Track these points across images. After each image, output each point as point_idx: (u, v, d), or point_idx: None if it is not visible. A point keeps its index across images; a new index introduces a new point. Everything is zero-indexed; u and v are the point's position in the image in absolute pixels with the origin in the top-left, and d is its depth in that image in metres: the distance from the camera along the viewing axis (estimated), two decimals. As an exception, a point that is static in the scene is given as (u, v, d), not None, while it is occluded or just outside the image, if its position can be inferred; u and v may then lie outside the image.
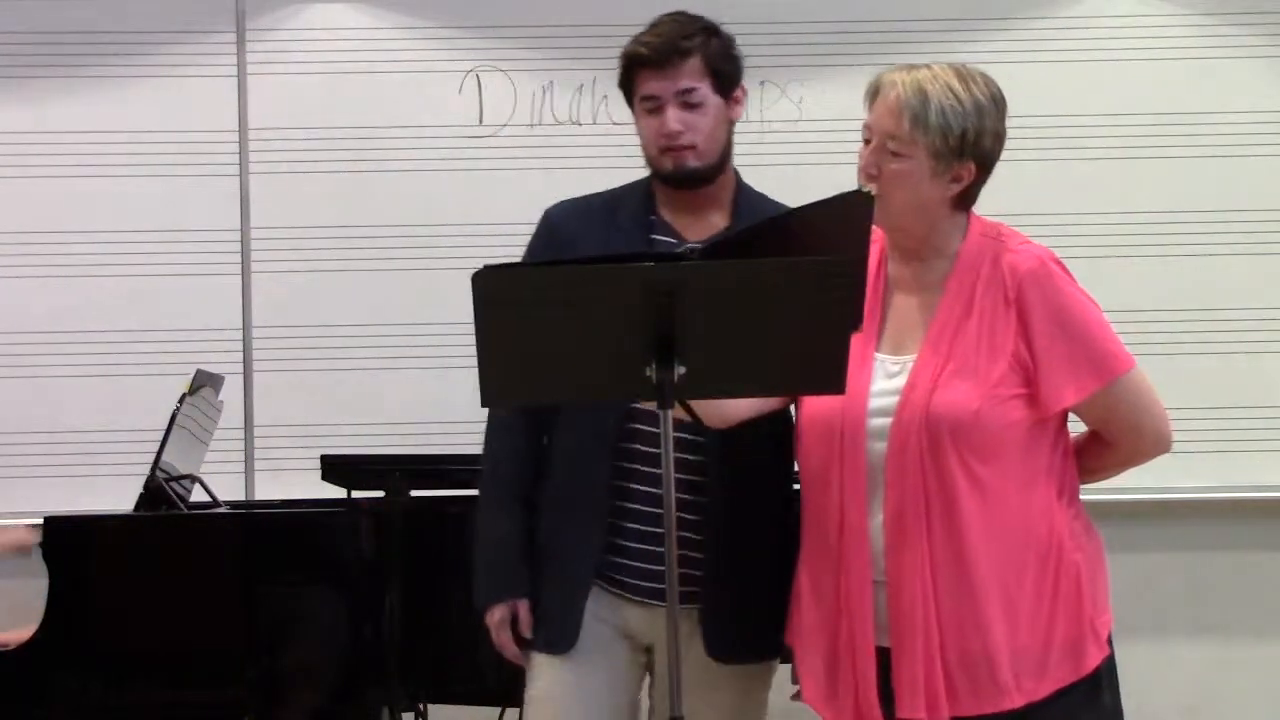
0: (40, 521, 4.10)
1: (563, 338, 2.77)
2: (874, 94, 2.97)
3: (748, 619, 3.20)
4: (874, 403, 2.96)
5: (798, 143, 5.23)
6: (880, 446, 2.94)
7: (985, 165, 2.97)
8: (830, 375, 2.84)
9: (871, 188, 2.93)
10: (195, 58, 5.31)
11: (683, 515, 3.05)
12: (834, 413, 2.97)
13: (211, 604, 4.00)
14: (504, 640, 3.27)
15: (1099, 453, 3.07)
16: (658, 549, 3.13)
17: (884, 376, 2.98)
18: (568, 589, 3.23)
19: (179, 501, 4.18)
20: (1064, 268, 2.99)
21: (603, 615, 3.24)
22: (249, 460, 5.27)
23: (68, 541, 4.01)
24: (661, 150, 3.21)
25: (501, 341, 2.78)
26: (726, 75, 3.24)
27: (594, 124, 5.16)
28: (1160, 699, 5.38)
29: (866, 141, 2.98)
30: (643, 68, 3.21)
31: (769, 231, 2.97)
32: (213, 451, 4.67)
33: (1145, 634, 5.37)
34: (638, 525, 3.21)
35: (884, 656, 2.95)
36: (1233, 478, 5.33)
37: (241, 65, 5.32)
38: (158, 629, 3.97)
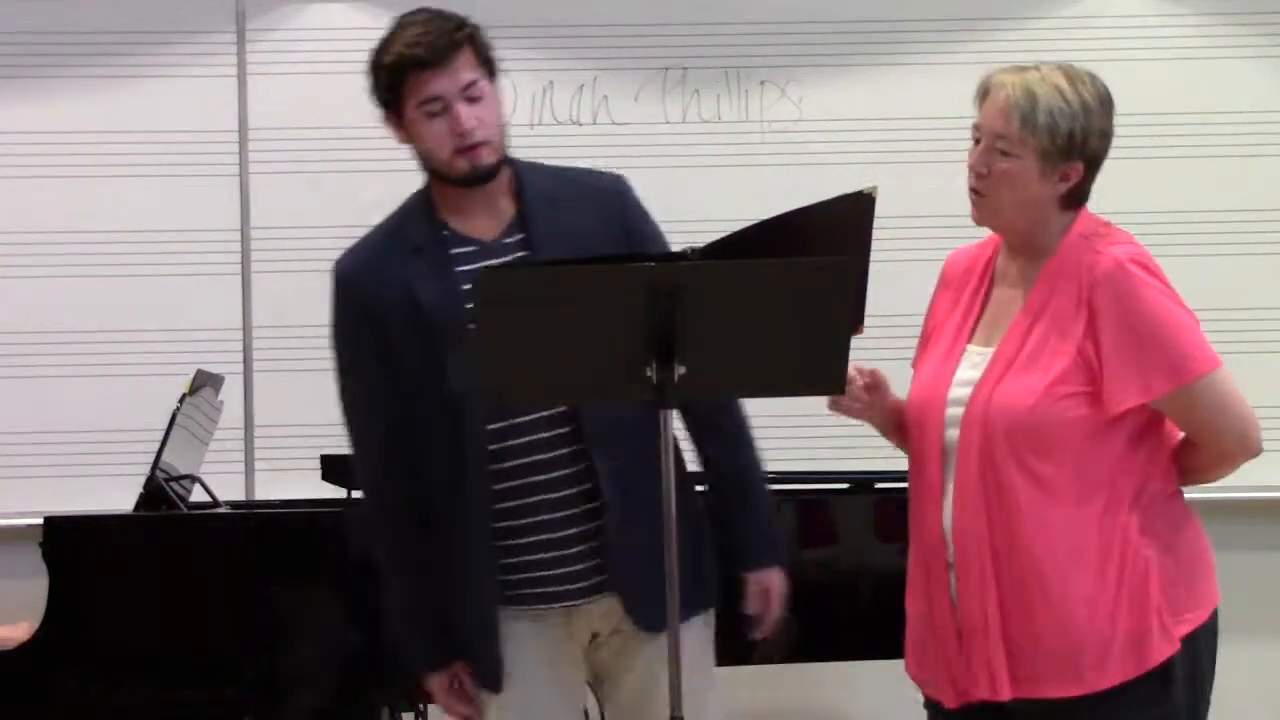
0: (40, 522, 4.10)
1: (563, 338, 2.78)
2: (983, 95, 3.02)
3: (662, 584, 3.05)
4: (953, 392, 3.02)
5: (798, 143, 5.24)
6: (952, 435, 3.01)
7: (1093, 164, 3.05)
8: (830, 375, 2.86)
9: (869, 188, 2.97)
10: (195, 58, 5.31)
11: (569, 495, 3.09)
12: (924, 400, 3.05)
13: (211, 604, 4.00)
14: (453, 703, 3.19)
15: (1190, 455, 3.09)
16: (556, 554, 3.12)
17: (968, 367, 3.04)
18: (480, 627, 3.14)
19: (179, 501, 4.18)
20: (1149, 269, 3.03)
21: (529, 646, 3.15)
22: (249, 460, 5.27)
23: (68, 541, 4.01)
24: (456, 151, 3.10)
25: (503, 341, 2.79)
26: (492, 63, 3.15)
27: (594, 124, 5.16)
28: (1160, 699, 5.38)
29: (976, 141, 3.02)
30: (420, 69, 3.08)
31: (770, 231, 2.97)
32: (213, 451, 4.67)
33: (1145, 634, 5.37)
34: (529, 537, 3.12)
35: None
36: (1233, 478, 5.31)
37: (241, 65, 5.32)
38: (157, 629, 3.97)
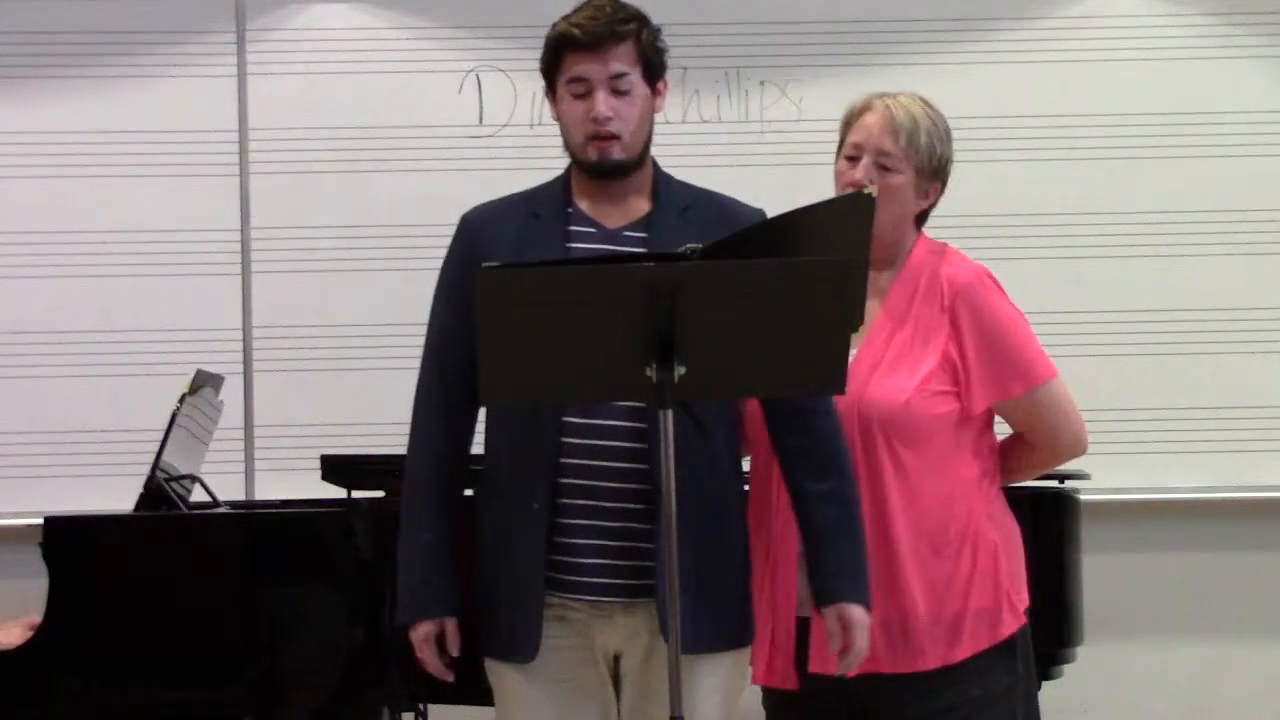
0: (40, 522, 4.10)
1: (563, 338, 2.78)
2: (861, 113, 3.28)
3: (709, 607, 3.11)
4: None
5: (798, 143, 5.23)
6: None
7: (944, 187, 3.32)
8: (830, 375, 2.87)
9: (872, 188, 3.11)
10: (195, 58, 5.32)
11: (630, 506, 3.08)
12: None
13: (211, 604, 4.00)
14: (428, 657, 3.15)
15: (1020, 453, 3.35)
16: (604, 543, 3.10)
17: None
18: (522, 597, 3.12)
19: (179, 501, 4.18)
20: (996, 283, 3.30)
21: (567, 631, 3.13)
22: (249, 460, 5.27)
23: (68, 541, 4.01)
24: (588, 138, 3.13)
25: (502, 341, 2.79)
26: (655, 65, 3.17)
27: (594, 124, 5.16)
28: (1160, 699, 5.38)
29: (849, 159, 3.26)
30: (574, 50, 3.13)
31: (770, 231, 2.97)
32: (213, 451, 4.66)
33: (1145, 634, 5.37)
34: (578, 521, 3.10)
35: (802, 627, 3.22)
36: (1233, 478, 5.33)
37: (241, 65, 5.32)
38: (158, 629, 3.97)
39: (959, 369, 3.21)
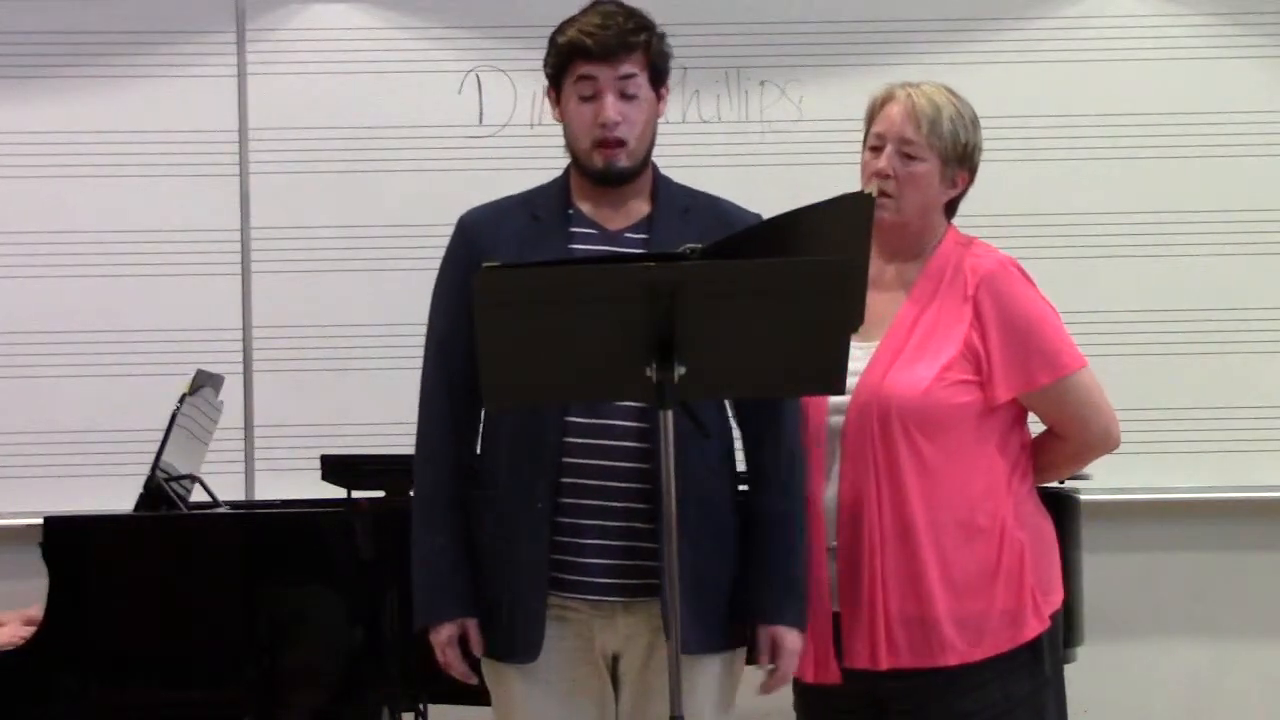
0: (40, 522, 4.10)
1: (563, 338, 2.78)
2: (883, 103, 3.25)
3: (708, 607, 3.11)
4: None
5: (798, 143, 5.24)
6: (837, 421, 3.18)
7: (973, 175, 3.28)
8: (830, 375, 2.87)
9: (873, 188, 3.12)
10: (195, 58, 5.32)
11: (633, 506, 3.08)
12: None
13: (211, 604, 4.00)
14: (452, 659, 3.15)
15: (1052, 448, 3.30)
16: (607, 543, 3.10)
17: (850, 360, 3.15)
18: (525, 597, 3.11)
19: (179, 501, 4.18)
20: (1024, 273, 3.27)
21: (567, 631, 3.14)
22: (249, 460, 5.27)
23: (68, 541, 4.01)
24: (595, 144, 3.13)
25: (502, 341, 2.79)
26: (661, 70, 3.19)
27: (594, 124, 5.15)
28: (1160, 699, 5.38)
29: (873, 149, 3.24)
30: (585, 60, 3.13)
31: (770, 231, 2.98)
32: (213, 451, 4.67)
33: (1145, 634, 5.37)
34: (582, 520, 3.10)
35: (835, 619, 3.20)
36: (1232, 478, 5.33)
37: (241, 65, 5.32)
38: (157, 629, 3.97)
39: (981, 358, 3.17)
